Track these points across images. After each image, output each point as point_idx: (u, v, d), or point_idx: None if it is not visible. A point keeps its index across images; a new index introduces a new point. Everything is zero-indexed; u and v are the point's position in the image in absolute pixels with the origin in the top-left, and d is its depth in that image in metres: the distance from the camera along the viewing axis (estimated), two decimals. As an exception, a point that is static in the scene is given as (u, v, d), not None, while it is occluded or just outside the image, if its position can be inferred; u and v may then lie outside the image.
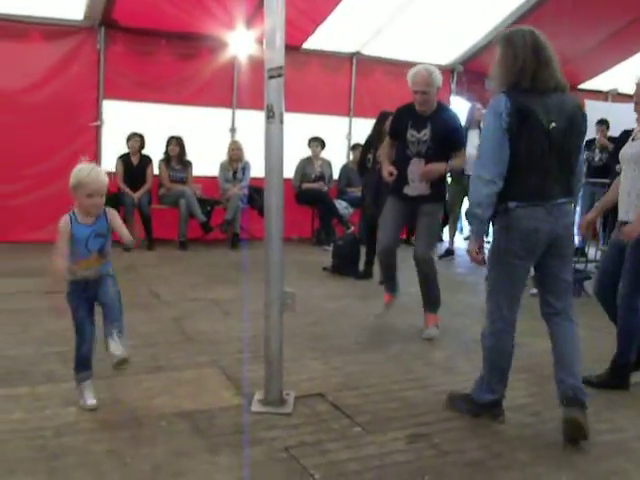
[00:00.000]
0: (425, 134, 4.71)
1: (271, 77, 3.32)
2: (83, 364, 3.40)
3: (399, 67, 9.43)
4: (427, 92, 4.69)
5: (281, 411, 3.40)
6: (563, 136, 3.21)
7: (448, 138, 4.73)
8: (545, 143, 3.17)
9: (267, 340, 3.44)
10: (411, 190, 4.82)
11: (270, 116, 3.30)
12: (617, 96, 11.33)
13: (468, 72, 9.89)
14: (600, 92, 11.25)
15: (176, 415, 3.32)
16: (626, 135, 8.27)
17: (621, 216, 4.01)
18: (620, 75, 10.62)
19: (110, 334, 3.31)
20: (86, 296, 3.39)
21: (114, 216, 3.42)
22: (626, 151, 4.09)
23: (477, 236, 3.36)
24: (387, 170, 4.92)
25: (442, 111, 4.85)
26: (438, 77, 4.73)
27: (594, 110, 10.31)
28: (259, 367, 3.63)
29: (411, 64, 9.91)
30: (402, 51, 9.32)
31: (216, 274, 6.60)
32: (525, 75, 3.18)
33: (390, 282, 5.29)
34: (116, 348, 3.28)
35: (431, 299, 4.98)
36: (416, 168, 4.76)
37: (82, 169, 3.25)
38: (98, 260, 3.37)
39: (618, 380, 4.08)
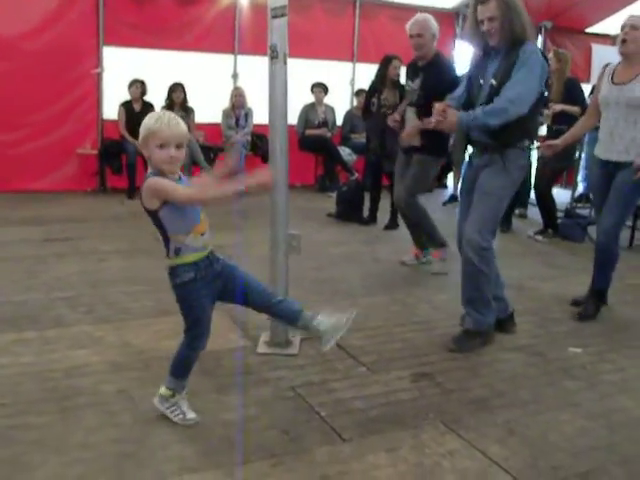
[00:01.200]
0: (417, 83, 4.90)
1: (275, 17, 3.26)
2: (190, 369, 2.79)
3: (403, 11, 9.27)
4: (422, 35, 4.82)
5: (287, 352, 3.45)
6: None
7: (437, 89, 4.61)
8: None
9: (273, 282, 3.46)
10: (404, 142, 5.04)
11: (274, 56, 3.26)
12: (625, 40, 11.12)
13: (473, 15, 9.69)
14: (608, 36, 11.04)
15: (183, 357, 3.36)
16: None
17: (606, 155, 4.22)
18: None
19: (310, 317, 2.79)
20: (213, 288, 2.71)
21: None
22: (610, 94, 4.14)
23: (465, 124, 3.56)
24: (392, 118, 5.33)
25: (437, 62, 4.93)
26: (434, 24, 4.88)
27: (601, 54, 10.17)
28: (264, 310, 3.66)
29: (415, 8, 9.76)
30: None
31: (218, 221, 6.41)
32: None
33: (434, 235, 5.33)
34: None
35: (422, 240, 5.26)
36: (410, 117, 4.96)
37: (151, 116, 2.55)
38: (206, 220, 2.68)
39: (598, 301, 4.42)
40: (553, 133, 6.51)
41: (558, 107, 6.50)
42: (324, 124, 8.88)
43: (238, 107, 8.47)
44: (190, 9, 8.37)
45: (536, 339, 3.89)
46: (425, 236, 5.27)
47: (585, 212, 7.52)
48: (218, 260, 2.75)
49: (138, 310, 4.02)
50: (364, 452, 2.60)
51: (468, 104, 3.68)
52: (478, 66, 3.68)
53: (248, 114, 8.48)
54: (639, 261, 6.06)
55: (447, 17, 9.88)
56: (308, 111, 8.87)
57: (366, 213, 6.93)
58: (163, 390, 2.77)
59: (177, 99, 8.22)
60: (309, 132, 8.76)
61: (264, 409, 2.90)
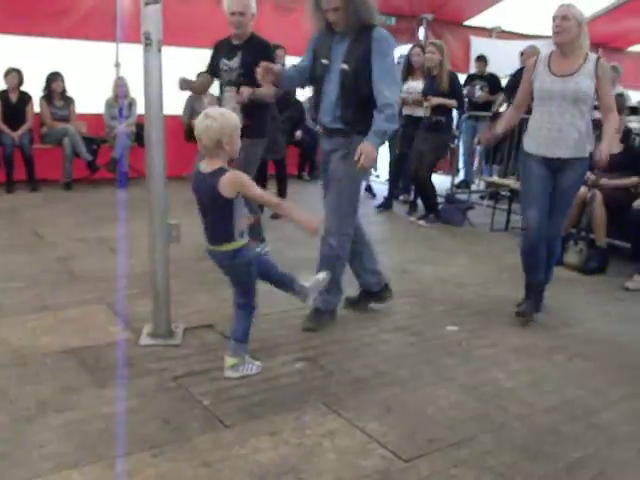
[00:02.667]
0: (236, 61, 4.75)
1: (147, 3, 3.20)
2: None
3: (287, 1, 9.32)
4: (244, 13, 4.72)
5: (170, 343, 3.42)
6: None
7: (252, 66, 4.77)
8: None
9: (153, 273, 3.41)
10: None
11: (148, 44, 3.20)
12: (501, 33, 11.63)
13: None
14: (484, 29, 11.51)
15: (62, 353, 3.27)
16: (521, 72, 8.58)
17: (552, 153, 3.97)
18: (503, 13, 10.90)
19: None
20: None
21: None
22: (553, 87, 3.93)
23: (380, 144, 3.64)
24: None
25: (256, 40, 4.83)
26: (254, 3, 4.83)
27: (479, 46, 10.61)
28: (147, 302, 3.61)
29: (300, -2, 9.75)
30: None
31: (103, 213, 6.41)
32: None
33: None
34: None
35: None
36: (229, 97, 4.80)
37: (225, 113, 2.97)
38: None
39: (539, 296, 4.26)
40: (434, 124, 6.76)
41: (435, 100, 6.71)
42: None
43: (121, 97, 8.24)
44: (69, -5, 8.06)
45: (416, 319, 4.04)
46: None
47: (464, 197, 7.84)
48: None
49: (14, 306, 3.86)
50: (246, 437, 2.62)
51: (310, 80, 3.78)
52: (322, 45, 3.67)
53: (132, 104, 8.27)
54: (514, 243, 6.37)
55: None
56: (194, 101, 8.73)
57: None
58: (233, 361, 3.13)
59: (57, 88, 7.92)
60: (195, 122, 8.62)
61: (146, 401, 2.86)
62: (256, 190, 2.97)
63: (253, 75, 4.52)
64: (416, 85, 7.19)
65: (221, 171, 2.91)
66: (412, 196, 7.55)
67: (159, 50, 3.22)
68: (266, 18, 9.29)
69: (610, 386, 3.33)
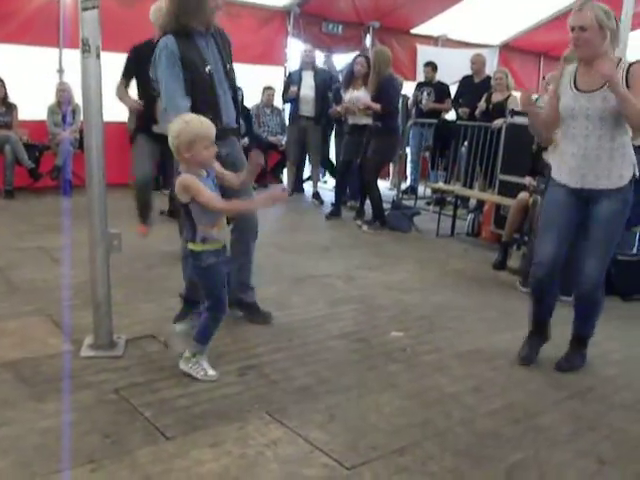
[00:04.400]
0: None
1: (85, 9, 3.15)
2: (212, 335, 3.24)
3: (237, 7, 9.29)
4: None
5: (111, 354, 3.36)
6: None
7: None
8: None
9: (94, 283, 3.35)
10: (159, 128, 4.82)
11: (86, 50, 3.15)
12: (447, 41, 11.81)
13: (304, 14, 9.88)
14: (431, 37, 11.67)
15: (-2, 366, 3.19)
16: (467, 80, 8.75)
17: (581, 183, 3.41)
18: (449, 21, 11.06)
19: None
20: (225, 271, 3.20)
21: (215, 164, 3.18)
22: (576, 104, 3.37)
23: None
24: (133, 105, 5.26)
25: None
26: None
27: (425, 54, 10.75)
28: (89, 313, 3.52)
29: (248, 5, 9.79)
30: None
31: (46, 222, 6.27)
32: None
33: (147, 214, 5.45)
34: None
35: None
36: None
37: (192, 121, 2.98)
38: (224, 215, 3.20)
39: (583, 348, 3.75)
40: (374, 129, 6.89)
41: (362, 103, 6.91)
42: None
43: (64, 103, 8.07)
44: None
45: (361, 326, 4.05)
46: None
47: (410, 203, 7.93)
48: (226, 252, 3.24)
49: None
50: (188, 449, 2.59)
51: (200, 90, 3.55)
52: (189, 50, 3.51)
53: (75, 110, 8.09)
54: (459, 248, 6.48)
55: (279, 15, 10.00)
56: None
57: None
58: (187, 353, 3.21)
59: (-2, 94, 7.73)
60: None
61: (85, 414, 2.80)
62: (203, 195, 2.95)
63: None
64: (358, 94, 7.25)
65: (178, 174, 3.01)
66: (358, 202, 7.58)
67: (98, 56, 3.17)
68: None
69: (550, 389, 3.39)
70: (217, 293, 3.16)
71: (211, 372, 3.18)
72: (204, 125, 2.97)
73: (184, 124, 2.95)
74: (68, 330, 3.65)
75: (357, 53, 7.97)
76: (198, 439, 2.66)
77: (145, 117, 5.11)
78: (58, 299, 4.11)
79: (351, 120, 7.29)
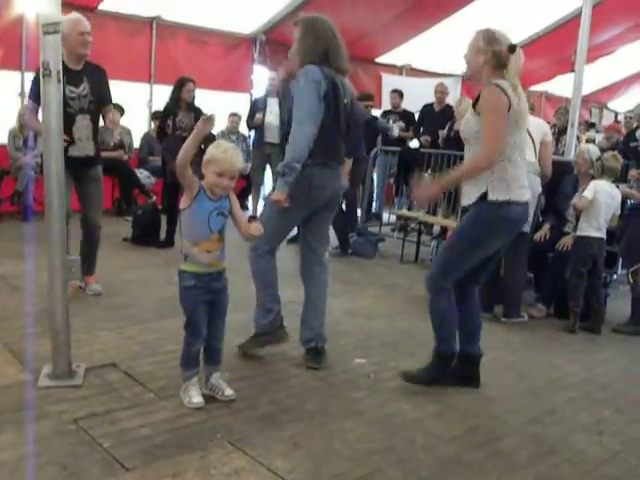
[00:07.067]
0: (85, 88, 4.59)
1: (46, 33, 3.14)
2: (194, 361, 3.21)
3: (200, 34, 9.35)
4: (91, 34, 4.63)
5: (70, 383, 3.29)
6: (350, 112, 3.78)
7: (102, 91, 4.75)
8: (341, 114, 3.69)
9: (52, 311, 3.29)
10: (77, 150, 4.65)
11: (46, 74, 3.13)
12: (410, 70, 12.01)
13: (270, 42, 9.97)
14: (395, 66, 11.86)
15: (-47, 397, 3.10)
16: (428, 108, 8.88)
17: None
18: (412, 51, 11.27)
19: (214, 378, 3.29)
20: (206, 298, 3.14)
21: (235, 202, 3.19)
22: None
23: (289, 187, 3.57)
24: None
25: (90, 63, 4.71)
26: None
27: (390, 83, 10.92)
28: (48, 341, 3.46)
29: (213, 32, 9.85)
30: (204, 18, 9.21)
31: (5, 248, 6.15)
32: (330, 55, 3.62)
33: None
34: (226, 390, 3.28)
35: (94, 261, 5.00)
36: (84, 125, 4.66)
37: (219, 145, 3.08)
38: (218, 243, 3.13)
39: None
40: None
41: None
42: (120, 146, 8.63)
43: (26, 127, 7.98)
44: (-30, 23, 7.80)
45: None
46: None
47: (375, 230, 7.97)
48: (221, 280, 3.20)
49: None
50: (148, 480, 2.54)
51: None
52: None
53: (37, 135, 8.02)
54: (423, 274, 6.47)
55: (245, 42, 10.08)
56: (103, 133, 8.57)
57: (163, 236, 6.82)
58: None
59: (-44, 118, 7.61)
60: (105, 154, 8.40)
61: (42, 445, 2.73)
62: (184, 197, 3.12)
63: (101, 99, 4.64)
64: None
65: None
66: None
67: (59, 80, 3.16)
68: (180, 50, 9.35)
69: (511, 413, 3.42)
70: (189, 317, 3.15)
71: (195, 400, 3.14)
72: (226, 155, 3.01)
73: (213, 145, 3.08)
74: (26, 359, 3.56)
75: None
76: (159, 469, 2.61)
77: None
78: (16, 327, 4.02)
79: None
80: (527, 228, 4.72)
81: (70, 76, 4.43)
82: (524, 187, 3.49)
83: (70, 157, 4.46)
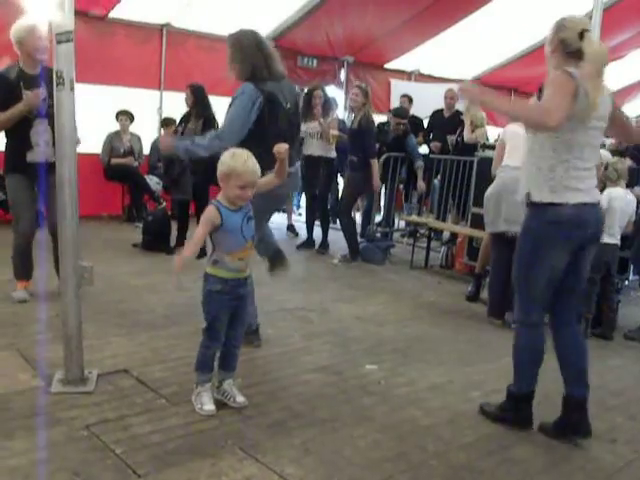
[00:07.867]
0: (43, 92, 4.48)
1: (60, 42, 3.16)
2: (209, 365, 3.21)
3: (211, 41, 9.37)
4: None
5: (82, 390, 3.30)
6: (293, 113, 3.98)
7: None
8: (282, 119, 3.84)
9: (64, 316, 3.30)
10: (36, 156, 4.54)
11: (60, 83, 3.15)
12: (419, 76, 12.01)
13: (279, 48, 9.88)
14: (404, 72, 11.86)
15: (-34, 402, 3.11)
16: (437, 114, 8.87)
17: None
18: (422, 57, 11.27)
19: (227, 384, 3.29)
20: (231, 304, 3.16)
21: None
22: None
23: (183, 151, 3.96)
24: None
25: (48, 68, 4.43)
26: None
27: (399, 89, 10.92)
28: (60, 347, 3.47)
29: (224, 38, 9.85)
30: (214, 25, 9.25)
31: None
32: (256, 72, 3.81)
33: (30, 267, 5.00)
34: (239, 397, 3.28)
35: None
36: (43, 130, 4.53)
37: (237, 155, 2.99)
38: (250, 250, 3.18)
39: None
40: (350, 164, 6.99)
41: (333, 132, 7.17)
42: (130, 153, 8.67)
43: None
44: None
45: (335, 359, 4.04)
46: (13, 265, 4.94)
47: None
48: (246, 286, 3.23)
49: None
50: (160, 486, 2.55)
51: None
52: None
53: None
54: (433, 280, 6.51)
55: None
56: (113, 139, 8.63)
57: (174, 242, 6.84)
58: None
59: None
60: (114, 161, 8.51)
61: (55, 451, 2.74)
62: (197, 231, 3.04)
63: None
64: (315, 125, 7.33)
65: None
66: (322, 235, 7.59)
67: (72, 89, 3.18)
68: (190, 57, 9.39)
69: (524, 421, 3.40)
70: (210, 321, 3.15)
71: (207, 407, 3.14)
72: (247, 167, 2.97)
73: (229, 155, 3.01)
74: (38, 365, 3.58)
75: (313, 86, 7.90)
76: (171, 476, 2.61)
77: (17, 148, 4.56)
78: (28, 333, 4.05)
79: (307, 151, 7.34)
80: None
81: (27, 81, 4.48)
82: (574, 189, 3.05)
83: (29, 163, 4.50)
